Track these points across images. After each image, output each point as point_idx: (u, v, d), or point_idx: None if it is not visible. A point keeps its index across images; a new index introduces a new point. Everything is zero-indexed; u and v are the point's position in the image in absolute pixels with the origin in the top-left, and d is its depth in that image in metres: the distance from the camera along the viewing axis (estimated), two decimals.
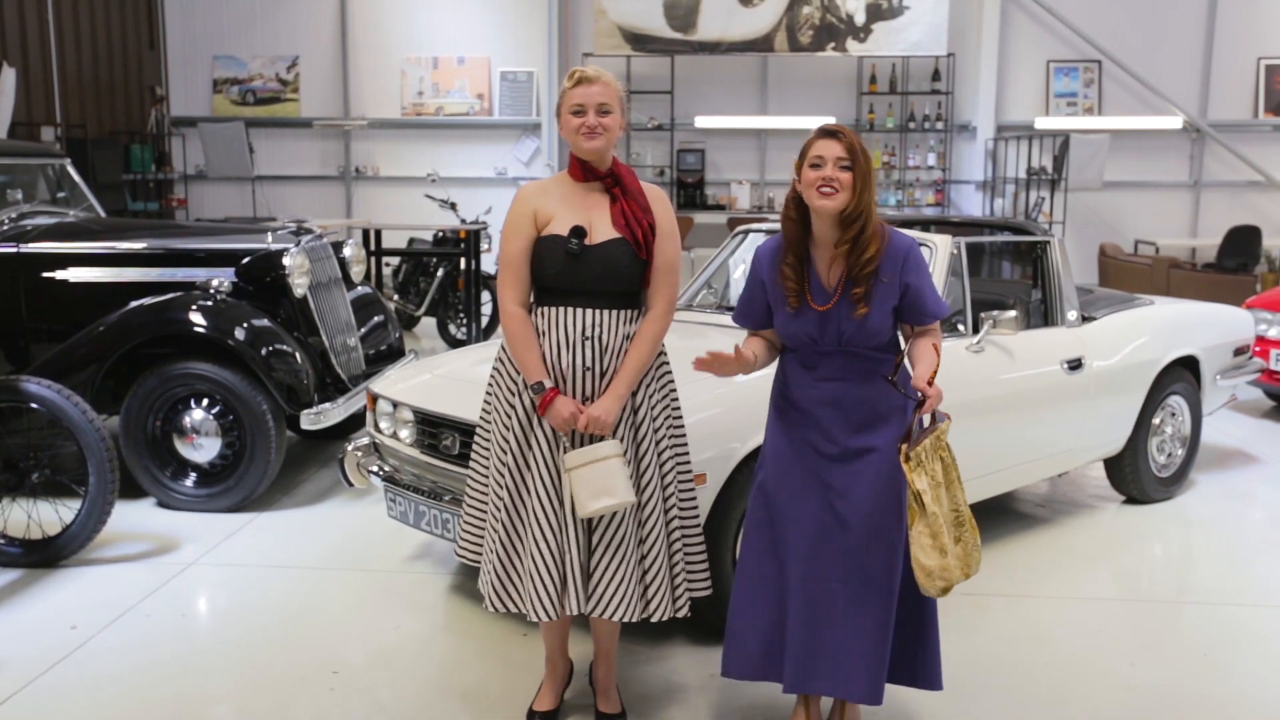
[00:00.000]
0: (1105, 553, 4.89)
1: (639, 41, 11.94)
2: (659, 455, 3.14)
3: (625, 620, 3.08)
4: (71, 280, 5.52)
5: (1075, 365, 4.89)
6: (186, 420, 5.18)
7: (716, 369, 2.97)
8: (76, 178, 6.45)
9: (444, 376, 4.40)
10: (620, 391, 3.04)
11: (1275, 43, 12.06)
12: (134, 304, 5.32)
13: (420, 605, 4.22)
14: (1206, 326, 5.73)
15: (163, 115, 12.39)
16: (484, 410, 3.26)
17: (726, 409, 3.75)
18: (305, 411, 5.19)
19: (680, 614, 3.20)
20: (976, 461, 4.47)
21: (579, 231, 3.03)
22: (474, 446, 3.30)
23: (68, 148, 9.65)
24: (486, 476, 3.23)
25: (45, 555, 4.51)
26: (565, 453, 3.02)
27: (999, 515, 5.26)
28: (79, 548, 4.54)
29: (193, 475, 5.26)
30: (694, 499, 3.26)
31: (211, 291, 5.34)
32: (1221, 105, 12.16)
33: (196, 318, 5.18)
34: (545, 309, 3.09)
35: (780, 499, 3.03)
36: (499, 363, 3.21)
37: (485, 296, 9.18)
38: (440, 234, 9.79)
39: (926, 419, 2.88)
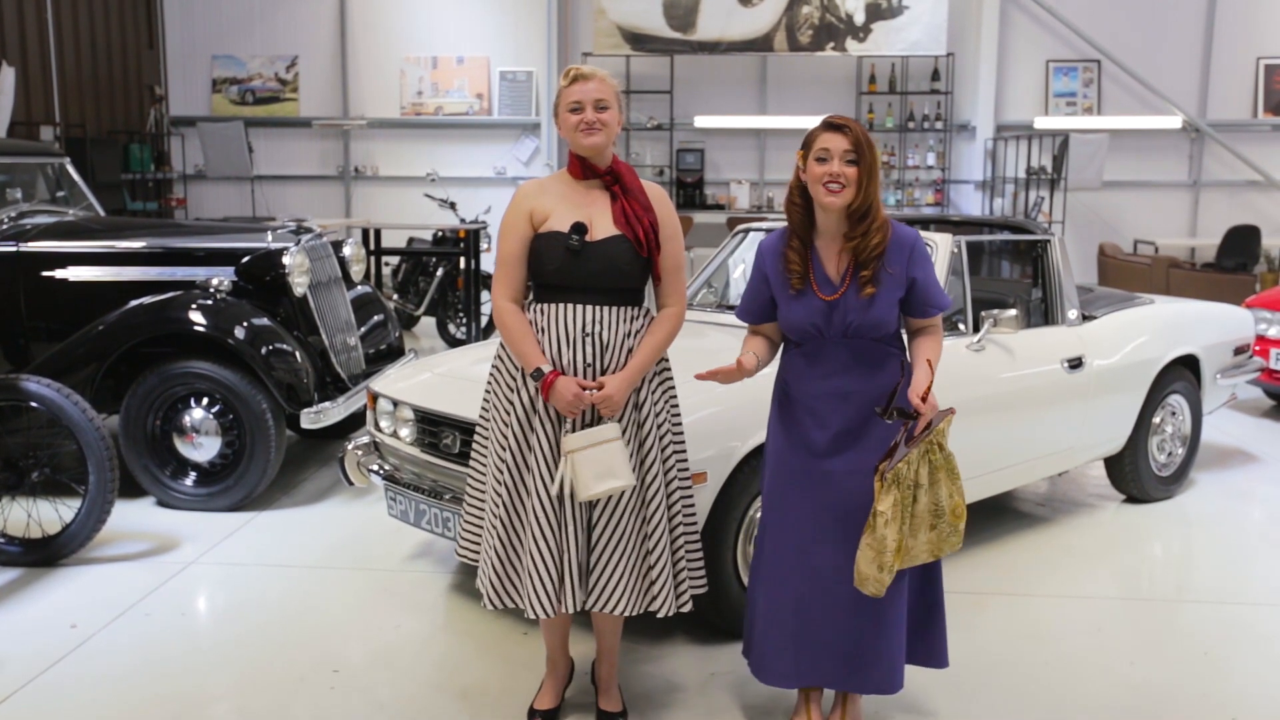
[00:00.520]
0: (1105, 552, 4.89)
1: (638, 41, 11.94)
2: (662, 449, 3.15)
3: (626, 613, 3.08)
4: (71, 279, 5.52)
5: (1075, 364, 4.89)
6: (186, 419, 5.18)
7: (721, 379, 2.96)
8: (76, 177, 6.45)
9: (444, 375, 4.40)
10: (631, 375, 3.04)
11: (1274, 42, 12.07)
12: (134, 303, 5.31)
13: (420, 604, 4.22)
14: (1206, 325, 5.73)
15: (162, 115, 12.39)
16: (483, 409, 3.25)
17: (727, 407, 3.75)
18: (305, 410, 5.18)
19: (684, 609, 3.20)
20: (977, 460, 4.47)
21: (580, 228, 3.03)
22: (473, 445, 3.30)
23: (67, 147, 9.64)
24: (486, 475, 3.23)
25: (45, 554, 4.50)
26: (566, 435, 3.01)
27: (999, 514, 5.26)
28: (79, 547, 4.53)
29: (192, 474, 5.25)
30: (692, 495, 3.27)
31: (211, 290, 5.33)
32: (1221, 105, 12.17)
33: (196, 317, 5.17)
34: (545, 306, 3.09)
35: (785, 497, 3.03)
36: (498, 360, 3.21)
37: (485, 296, 9.18)
38: (440, 233, 9.79)
39: (920, 427, 2.86)
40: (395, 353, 6.40)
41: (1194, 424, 5.63)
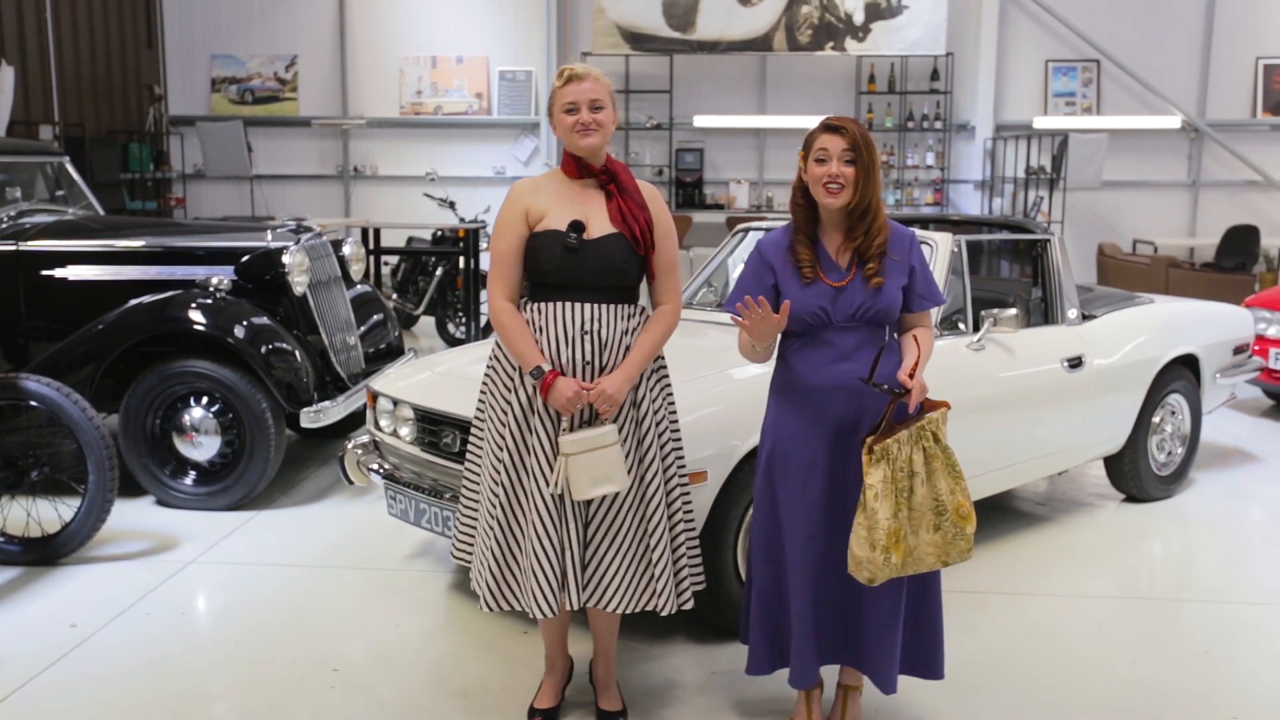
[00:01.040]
0: (1105, 551, 4.89)
1: (638, 41, 11.94)
2: (661, 447, 3.15)
3: (625, 611, 3.08)
4: (70, 278, 5.52)
5: (1075, 363, 4.89)
6: (186, 418, 5.17)
7: (754, 325, 2.89)
8: (75, 176, 6.45)
9: (444, 374, 4.40)
10: (630, 372, 3.04)
11: (1273, 42, 12.07)
12: (133, 302, 5.31)
13: (420, 603, 4.22)
14: (1206, 325, 5.73)
15: (161, 114, 12.38)
16: (478, 410, 3.25)
17: (727, 406, 3.75)
18: (305, 410, 5.18)
19: (685, 606, 3.20)
20: (976, 459, 4.47)
21: (577, 226, 3.03)
22: (469, 446, 3.29)
23: (66, 146, 9.63)
24: (481, 476, 3.22)
25: (45, 553, 4.50)
26: (562, 435, 3.00)
27: (999, 513, 5.26)
28: (78, 546, 4.53)
29: (192, 473, 5.25)
30: (689, 492, 3.27)
31: (211, 289, 5.33)
32: (1220, 105, 12.17)
33: (196, 316, 5.17)
34: (543, 304, 3.08)
35: (786, 490, 3.03)
36: (493, 359, 3.20)
37: (484, 295, 9.18)
38: (439, 233, 9.78)
39: (911, 406, 2.86)
40: (395, 352, 6.40)
41: (1193, 423, 5.64)
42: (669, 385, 3.23)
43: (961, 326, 4.61)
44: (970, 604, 4.21)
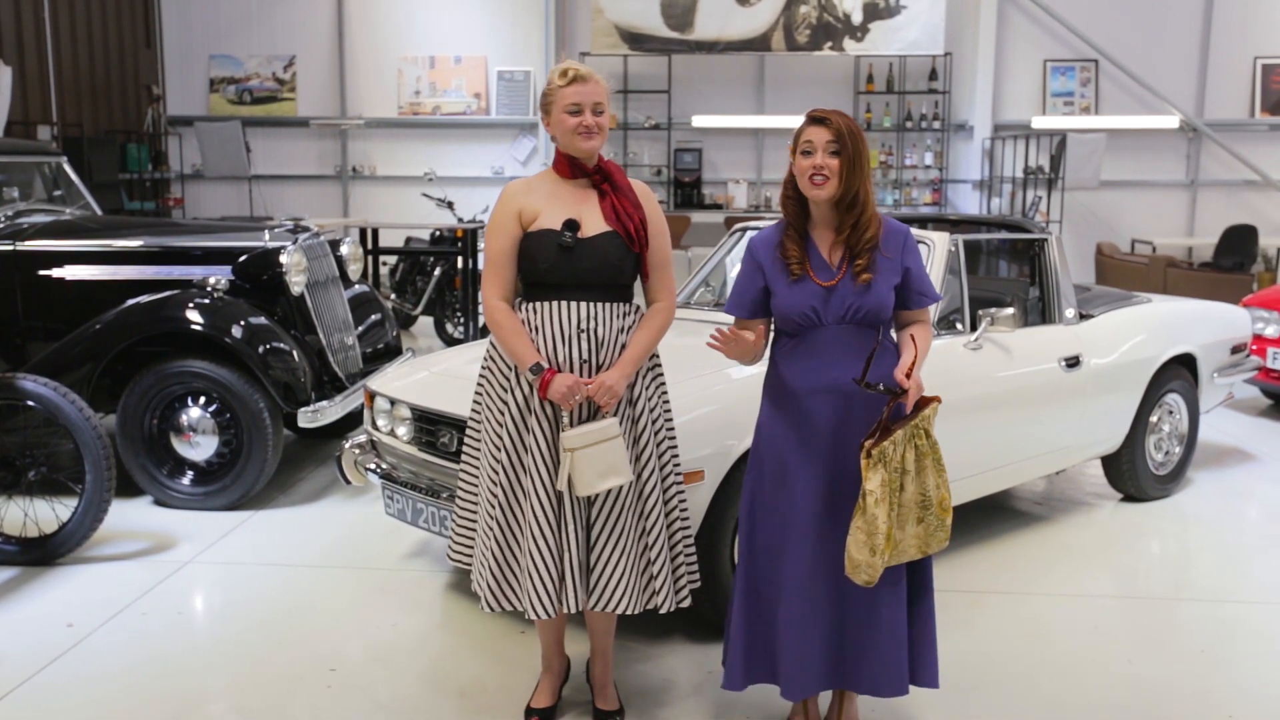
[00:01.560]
0: (1103, 550, 4.90)
1: (636, 41, 11.94)
2: (657, 445, 3.14)
3: (627, 612, 3.08)
4: (68, 278, 5.51)
5: (1073, 363, 4.90)
6: (183, 418, 5.17)
7: (732, 349, 2.92)
8: (73, 176, 6.45)
9: (442, 374, 4.40)
10: (627, 368, 3.04)
11: (1272, 42, 12.08)
12: (131, 302, 5.31)
13: (418, 603, 4.22)
14: (1204, 324, 5.73)
15: (159, 114, 12.38)
16: (474, 411, 3.24)
17: (723, 406, 3.75)
18: (302, 409, 5.18)
19: (683, 604, 3.20)
20: (974, 459, 4.48)
21: (572, 224, 3.03)
22: (464, 448, 3.29)
23: (64, 146, 9.63)
24: (477, 478, 3.22)
25: (42, 553, 4.50)
26: (564, 430, 2.99)
27: (996, 512, 5.26)
28: (75, 546, 4.53)
29: (189, 473, 5.25)
30: (684, 490, 3.27)
31: (209, 289, 5.33)
32: (1218, 104, 12.18)
33: (193, 315, 5.17)
34: (538, 304, 3.08)
35: (778, 495, 3.00)
36: (489, 360, 3.20)
37: (482, 295, 9.17)
38: (437, 233, 9.78)
39: (908, 406, 2.86)
40: (393, 352, 6.39)
41: (1191, 423, 5.64)
42: (664, 384, 3.24)
43: (959, 326, 4.61)
44: (967, 603, 4.21)
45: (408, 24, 12.44)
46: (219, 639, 3.93)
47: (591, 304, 3.05)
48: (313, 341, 5.58)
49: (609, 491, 3.04)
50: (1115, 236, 12.05)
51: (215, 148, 11.82)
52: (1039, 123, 11.97)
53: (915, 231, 4.57)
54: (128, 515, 5.08)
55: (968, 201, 12.43)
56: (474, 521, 3.25)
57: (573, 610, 3.07)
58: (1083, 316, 5.20)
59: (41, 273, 5.52)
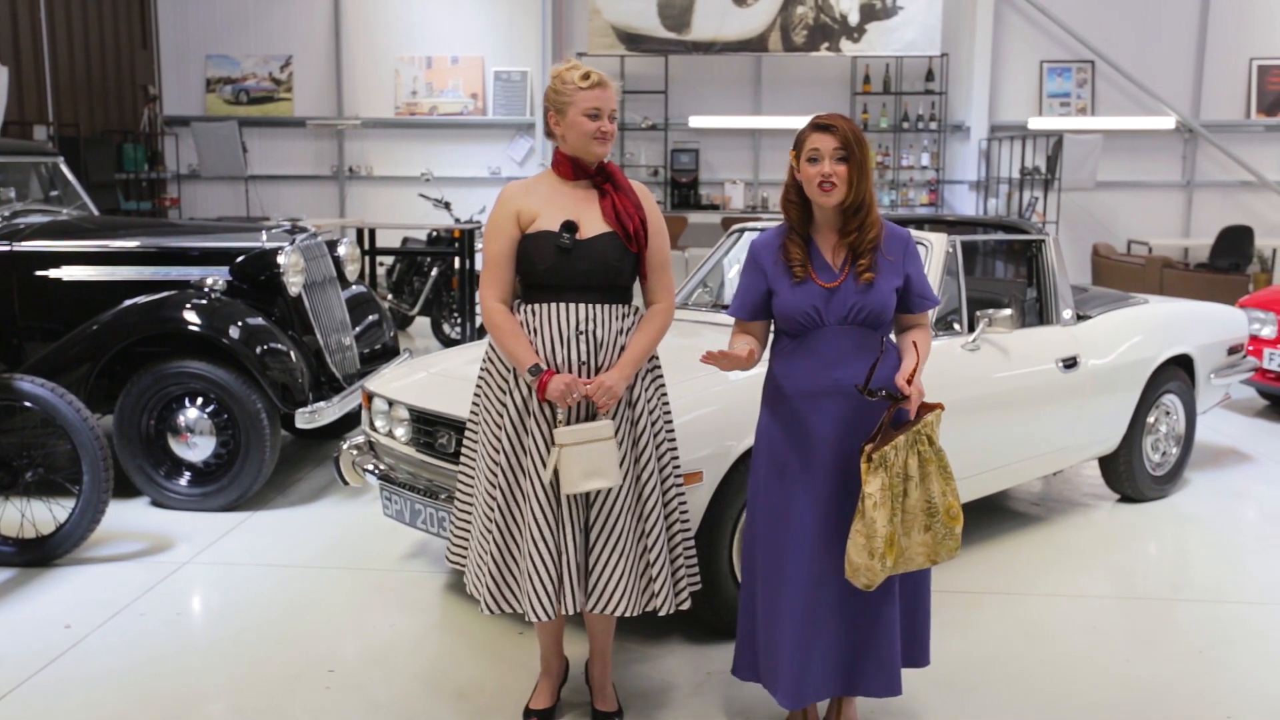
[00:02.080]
0: (1100, 551, 4.90)
1: (633, 41, 11.94)
2: (656, 447, 3.14)
3: (627, 614, 3.08)
4: (65, 279, 5.50)
5: (1070, 364, 4.90)
6: (181, 419, 5.17)
7: (724, 365, 2.93)
8: (69, 176, 6.44)
9: (439, 374, 4.40)
10: (627, 370, 3.03)
11: (1267, 43, 12.10)
12: (128, 302, 5.30)
13: (416, 603, 4.22)
14: (1201, 325, 5.74)
15: (155, 114, 12.37)
16: (472, 413, 3.24)
17: (722, 407, 3.75)
18: (300, 410, 5.18)
19: (683, 606, 3.20)
20: (971, 460, 4.48)
21: (570, 226, 3.03)
22: (463, 450, 3.29)
23: (60, 146, 9.62)
24: (475, 480, 3.22)
25: (39, 554, 4.49)
26: (558, 426, 2.99)
27: (994, 513, 5.27)
28: (73, 546, 4.52)
29: (187, 474, 5.24)
30: (684, 492, 3.27)
31: (206, 290, 5.32)
32: (1214, 106, 12.20)
33: (191, 316, 5.16)
34: (537, 306, 3.08)
35: (780, 497, 3.00)
36: (487, 362, 3.19)
37: (480, 296, 9.17)
38: (434, 233, 9.78)
39: (911, 412, 2.86)
40: (390, 352, 6.39)
41: (1188, 423, 5.65)
42: (664, 386, 3.23)
43: (956, 327, 4.62)
44: (965, 603, 4.21)
45: (404, 24, 12.43)
46: (217, 640, 3.93)
47: (590, 305, 3.05)
48: (310, 342, 5.57)
49: (608, 493, 3.04)
50: (1111, 237, 12.06)
51: (212, 148, 11.80)
52: (1035, 123, 11.98)
53: (912, 233, 4.58)
54: (125, 516, 5.07)
55: (964, 202, 12.44)
56: (472, 524, 3.24)
57: (571, 612, 3.07)
58: (1080, 317, 5.20)
59: (38, 273, 5.51)
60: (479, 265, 9.10)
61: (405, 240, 10.30)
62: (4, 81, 9.14)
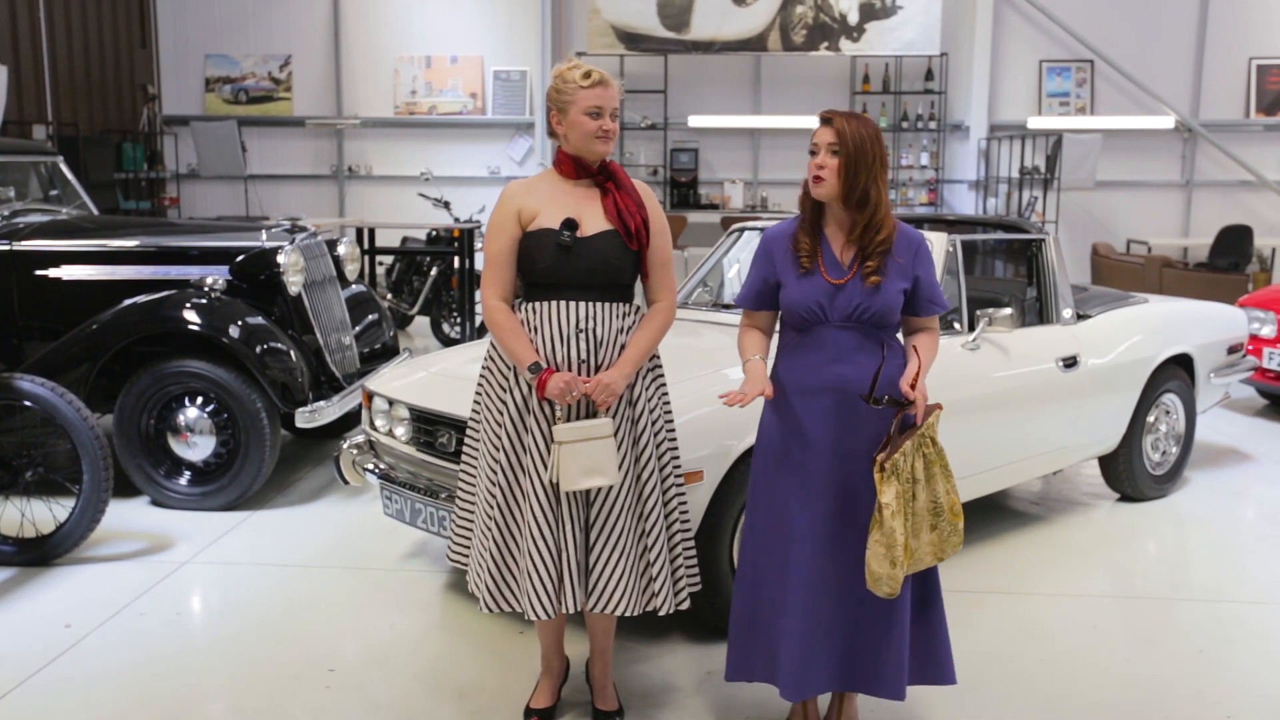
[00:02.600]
0: (1100, 550, 4.90)
1: (632, 40, 11.94)
2: (657, 446, 3.14)
3: (627, 614, 3.07)
4: (65, 278, 5.50)
5: (1070, 363, 4.90)
6: (181, 418, 5.16)
7: (744, 403, 2.92)
8: (69, 175, 6.43)
9: (439, 374, 4.40)
10: (627, 369, 3.03)
11: (1267, 43, 12.11)
12: (127, 302, 5.30)
13: (416, 603, 4.21)
14: (1200, 325, 5.75)
15: (155, 114, 12.36)
16: (473, 411, 3.24)
17: (722, 407, 3.74)
18: (300, 410, 5.17)
19: (682, 606, 3.20)
20: (971, 459, 4.48)
21: (570, 224, 3.03)
22: (464, 448, 3.29)
23: (59, 146, 9.62)
24: (476, 479, 3.22)
25: (39, 554, 4.49)
26: (557, 424, 2.99)
27: (993, 513, 5.27)
28: (73, 546, 4.52)
29: (187, 473, 5.24)
30: (685, 492, 3.27)
31: (206, 289, 5.32)
32: (1213, 105, 12.20)
33: (190, 315, 5.16)
34: (537, 304, 3.08)
35: (780, 493, 3.00)
36: (488, 360, 3.20)
37: (479, 295, 9.17)
38: (434, 233, 9.78)
39: (918, 417, 2.87)
40: (390, 352, 6.39)
41: (1188, 423, 5.65)
42: (664, 385, 3.23)
43: (957, 326, 4.62)
44: (965, 603, 4.21)
45: (404, 23, 12.43)
46: (217, 639, 3.92)
47: (590, 304, 3.05)
48: (310, 341, 5.57)
49: (608, 492, 3.04)
50: (1111, 237, 12.07)
51: (211, 147, 11.80)
52: (1035, 123, 11.98)
53: None
54: (125, 515, 5.07)
55: (963, 202, 12.44)
56: (473, 522, 3.24)
57: (571, 611, 3.06)
58: (1080, 317, 5.20)
59: (38, 272, 5.50)
60: (478, 265, 9.14)
61: (405, 240, 10.30)
62: (3, 81, 9.14)
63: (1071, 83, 12.22)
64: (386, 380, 4.49)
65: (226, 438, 5.18)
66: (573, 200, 3.09)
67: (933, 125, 12.28)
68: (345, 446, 4.52)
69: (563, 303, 3.05)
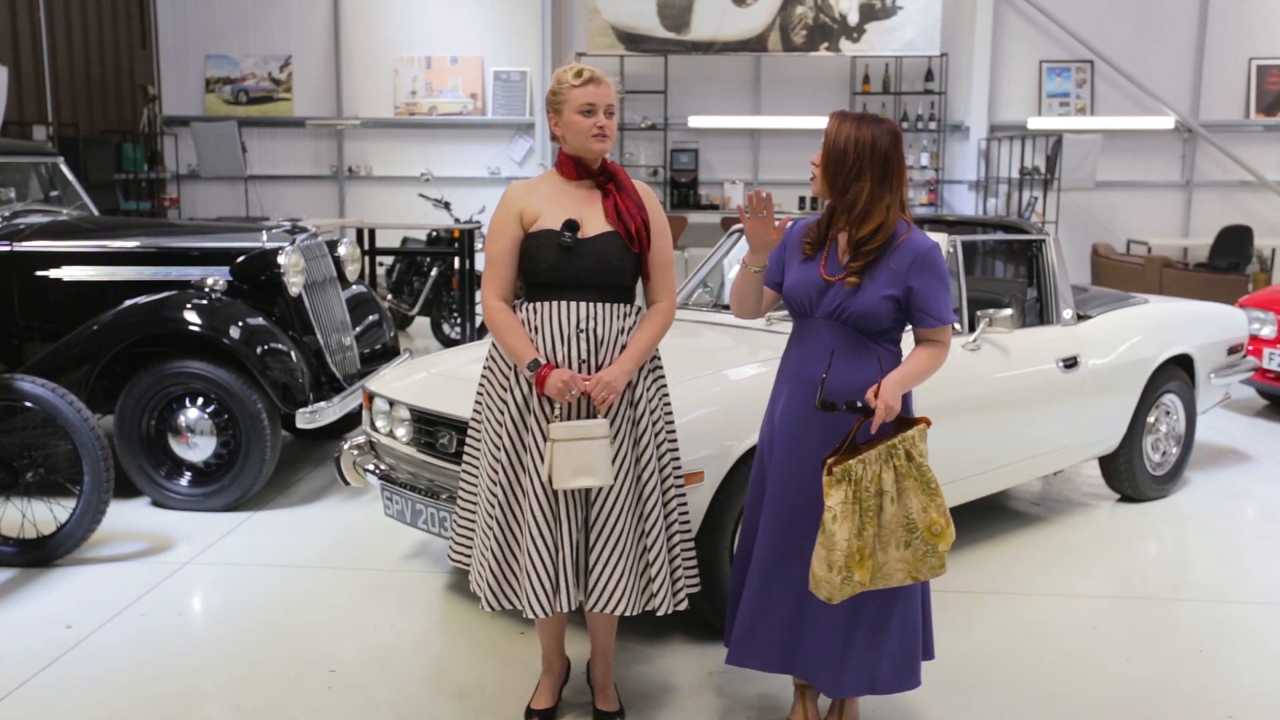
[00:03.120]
0: (1100, 550, 4.91)
1: (632, 41, 11.94)
2: (658, 447, 3.15)
3: (626, 613, 3.08)
4: (65, 279, 5.50)
5: (1070, 364, 4.90)
6: (181, 419, 5.17)
7: (751, 222, 2.92)
8: (69, 176, 6.44)
9: (440, 374, 4.40)
10: (628, 366, 3.04)
11: (1267, 43, 12.11)
12: (128, 302, 5.30)
13: (416, 603, 4.22)
14: (1201, 325, 5.75)
15: (155, 114, 12.36)
16: (475, 411, 3.25)
17: (724, 407, 3.76)
18: (300, 410, 5.18)
19: (680, 607, 3.20)
20: (971, 459, 4.49)
21: (571, 225, 3.03)
22: (465, 448, 3.29)
23: (60, 146, 9.62)
24: (478, 479, 3.22)
25: (40, 554, 4.49)
26: (553, 421, 3.00)
27: (994, 513, 5.27)
28: (74, 547, 4.52)
29: (188, 474, 5.24)
30: (685, 493, 3.28)
31: (206, 290, 5.32)
32: (1213, 105, 12.20)
33: (191, 316, 5.16)
34: (538, 304, 3.08)
35: (760, 477, 3.11)
36: (489, 360, 3.20)
37: (480, 296, 9.17)
38: (434, 233, 9.78)
39: (874, 427, 2.79)
40: (390, 353, 6.39)
41: (1188, 423, 5.65)
42: (665, 385, 3.24)
43: (957, 327, 4.62)
44: (965, 603, 4.22)
45: (404, 24, 12.43)
46: (218, 640, 3.93)
47: (591, 304, 3.06)
48: (310, 342, 5.57)
49: (608, 492, 3.05)
50: (1111, 237, 12.07)
51: (211, 148, 11.80)
52: (1035, 123, 11.98)
53: None
54: (126, 516, 5.07)
55: (964, 202, 12.44)
56: (474, 522, 3.25)
57: (567, 609, 3.07)
58: (1080, 317, 5.21)
59: (39, 273, 5.51)
60: (479, 265, 9.14)
61: (405, 240, 10.30)
62: (4, 81, 9.14)
63: (1071, 83, 12.23)
64: (387, 381, 4.49)
65: (227, 438, 5.18)
66: (574, 201, 3.09)
67: (933, 126, 12.29)
68: (346, 447, 4.52)
69: (564, 303, 3.05)
